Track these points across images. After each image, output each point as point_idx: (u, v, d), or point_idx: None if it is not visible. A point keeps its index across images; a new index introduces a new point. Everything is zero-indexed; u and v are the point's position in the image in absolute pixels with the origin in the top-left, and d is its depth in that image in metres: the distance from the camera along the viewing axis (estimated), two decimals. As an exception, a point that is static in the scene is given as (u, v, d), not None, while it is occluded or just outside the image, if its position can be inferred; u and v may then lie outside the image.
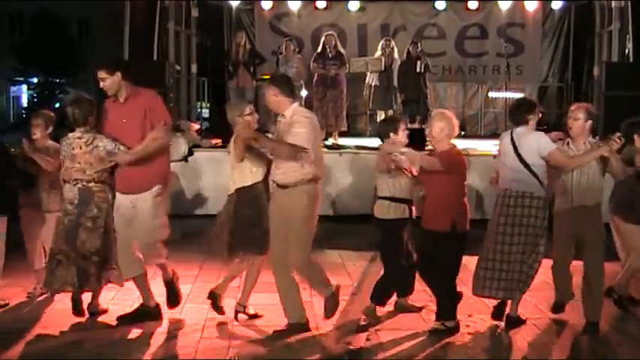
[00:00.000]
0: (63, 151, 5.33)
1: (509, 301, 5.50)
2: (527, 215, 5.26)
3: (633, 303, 6.01)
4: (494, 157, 5.87)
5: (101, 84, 5.38)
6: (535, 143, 5.26)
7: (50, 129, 6.10)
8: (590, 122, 5.37)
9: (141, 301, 5.59)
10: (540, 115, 5.60)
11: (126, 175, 5.36)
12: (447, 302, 5.38)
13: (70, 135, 5.30)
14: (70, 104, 5.34)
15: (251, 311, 5.64)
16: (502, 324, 5.52)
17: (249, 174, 5.34)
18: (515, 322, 5.50)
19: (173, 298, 5.70)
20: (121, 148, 5.26)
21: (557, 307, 5.71)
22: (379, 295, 5.67)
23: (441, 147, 5.34)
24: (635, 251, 5.88)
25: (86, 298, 5.55)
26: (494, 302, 5.87)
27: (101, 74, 5.35)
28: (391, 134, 5.53)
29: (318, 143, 5.38)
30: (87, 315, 5.52)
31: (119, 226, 5.39)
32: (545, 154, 5.25)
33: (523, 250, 5.29)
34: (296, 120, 5.09)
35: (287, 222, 5.14)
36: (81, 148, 5.24)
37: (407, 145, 5.57)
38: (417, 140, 8.02)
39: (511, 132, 5.45)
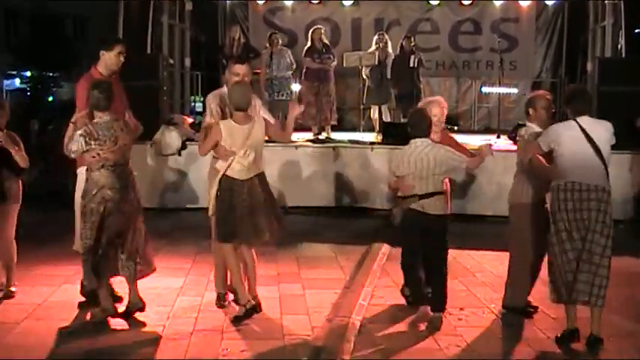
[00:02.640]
0: (97, 134, 5.13)
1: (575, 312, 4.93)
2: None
3: None
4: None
5: (121, 59, 5.58)
6: (607, 132, 4.94)
7: None
8: None
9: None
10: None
11: None
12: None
13: (106, 118, 5.18)
14: (93, 88, 5.22)
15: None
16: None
17: None
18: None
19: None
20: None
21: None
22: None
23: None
24: None
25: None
26: (492, 296, 5.90)
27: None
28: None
29: None
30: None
31: None
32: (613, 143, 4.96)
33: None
34: None
35: None
36: (122, 130, 5.24)
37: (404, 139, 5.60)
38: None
39: (575, 121, 4.95)
